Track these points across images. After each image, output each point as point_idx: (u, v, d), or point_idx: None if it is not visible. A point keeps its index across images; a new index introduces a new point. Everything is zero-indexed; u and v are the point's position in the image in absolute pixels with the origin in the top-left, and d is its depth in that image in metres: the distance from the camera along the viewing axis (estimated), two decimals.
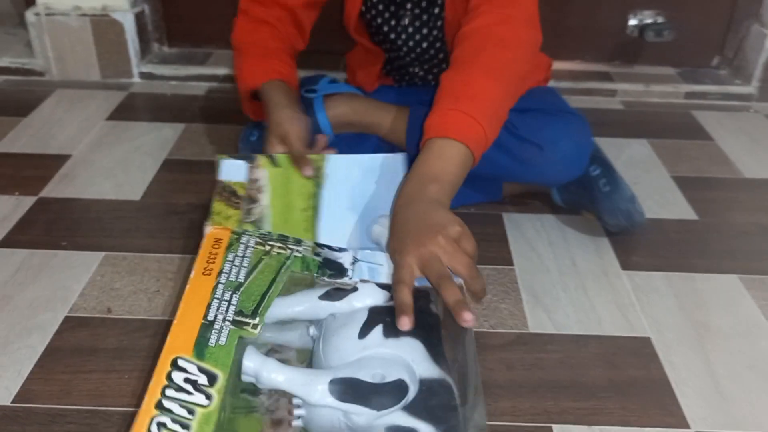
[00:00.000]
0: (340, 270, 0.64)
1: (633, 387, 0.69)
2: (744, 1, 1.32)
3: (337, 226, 0.72)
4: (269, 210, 0.73)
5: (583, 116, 0.90)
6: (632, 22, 1.33)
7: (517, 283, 0.83)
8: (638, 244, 0.91)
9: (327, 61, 1.28)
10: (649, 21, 1.32)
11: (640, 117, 1.27)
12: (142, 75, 1.33)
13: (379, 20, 0.94)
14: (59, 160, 1.07)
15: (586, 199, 0.93)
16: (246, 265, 0.63)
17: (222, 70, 1.34)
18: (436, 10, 0.92)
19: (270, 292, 0.61)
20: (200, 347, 0.55)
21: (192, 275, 0.61)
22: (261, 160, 0.77)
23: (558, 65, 1.32)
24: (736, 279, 0.85)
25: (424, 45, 0.96)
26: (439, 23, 0.93)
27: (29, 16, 1.28)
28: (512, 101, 0.78)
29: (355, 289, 0.62)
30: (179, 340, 0.55)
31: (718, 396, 0.68)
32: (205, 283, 0.61)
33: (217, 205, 0.72)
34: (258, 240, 0.66)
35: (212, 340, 0.56)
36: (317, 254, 0.66)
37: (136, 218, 0.94)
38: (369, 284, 0.62)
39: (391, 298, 0.60)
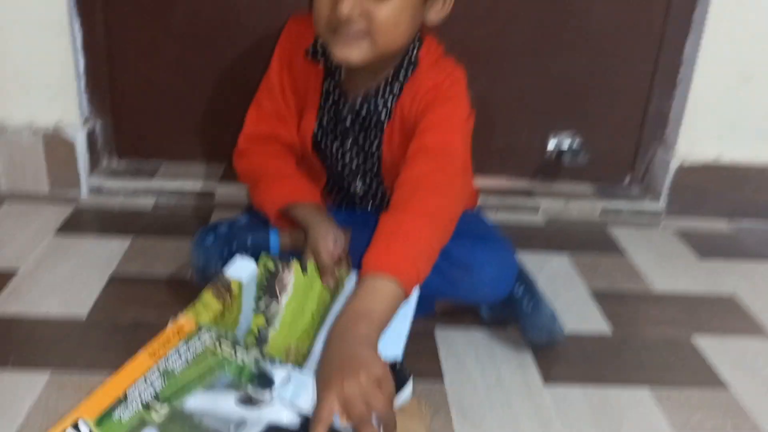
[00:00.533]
0: (266, 383, 0.70)
1: None
2: (650, 126, 1.47)
3: None
4: (284, 309, 0.83)
5: (508, 241, 1.00)
6: (551, 144, 1.46)
7: (446, 399, 0.89)
8: (558, 357, 0.98)
9: None
10: (566, 144, 1.45)
11: (560, 232, 1.38)
12: (91, 188, 1.38)
13: (327, 141, 1.03)
14: (6, 276, 1.09)
15: (512, 316, 1.01)
16: (190, 358, 0.70)
17: (170, 184, 1.40)
18: (374, 148, 1.01)
19: (191, 385, 0.68)
20: (104, 417, 0.63)
21: (139, 352, 0.69)
22: (294, 265, 0.87)
23: (485, 182, 1.44)
24: (647, 392, 0.93)
25: (365, 170, 1.05)
26: (375, 158, 1.02)
27: None
28: (444, 241, 0.86)
29: (271, 403, 0.68)
30: (91, 404, 0.64)
31: None
32: (144, 363, 0.69)
33: (206, 295, 0.79)
34: (214, 339, 0.73)
35: (116, 415, 0.64)
36: (257, 363, 0.71)
37: (83, 336, 0.97)
38: (287, 402, 0.68)
39: (302, 426, 0.66)
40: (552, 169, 1.49)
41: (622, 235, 1.38)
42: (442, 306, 1.05)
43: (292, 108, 1.02)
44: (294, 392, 0.69)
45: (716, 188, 1.43)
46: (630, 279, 1.22)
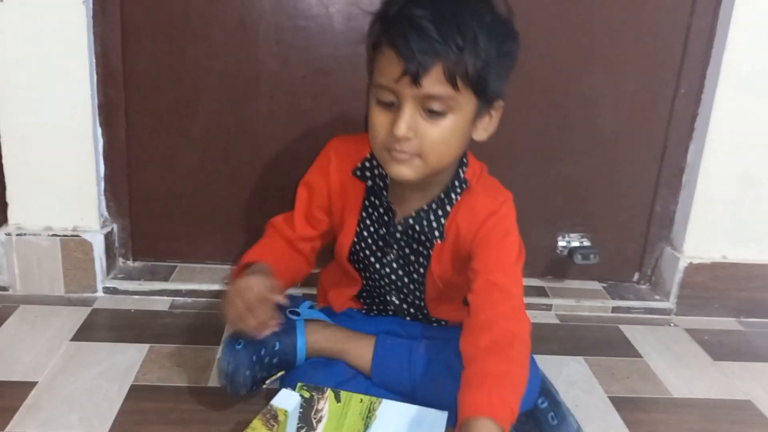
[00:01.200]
0: None
1: None
2: (656, 226, 1.51)
3: None
4: None
5: (532, 356, 1.00)
6: (561, 243, 1.49)
7: None
8: None
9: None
10: (575, 244, 1.48)
11: (573, 331, 1.39)
12: (106, 290, 1.38)
13: (367, 252, 1.07)
14: (25, 387, 1.08)
15: (537, 430, 1.01)
16: None
17: (185, 285, 1.41)
18: (420, 265, 1.05)
19: None
20: None
21: None
22: (329, 394, 0.94)
23: None
24: None
25: (405, 282, 1.08)
26: (422, 270, 1.05)
27: (0, 234, 1.34)
28: (526, 375, 0.91)
29: None
30: None
31: None
32: None
33: (257, 422, 0.86)
34: None
35: None
36: None
37: None
38: None
39: None
40: (562, 266, 1.52)
41: (634, 333, 1.39)
42: None
43: (324, 219, 1.09)
44: None
45: (723, 287, 1.46)
46: (647, 383, 1.22)
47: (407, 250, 1.05)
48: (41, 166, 1.32)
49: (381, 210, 1.04)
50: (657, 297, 1.50)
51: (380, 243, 1.06)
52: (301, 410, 0.92)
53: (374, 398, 0.93)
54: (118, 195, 1.41)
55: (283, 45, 1.36)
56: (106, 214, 1.40)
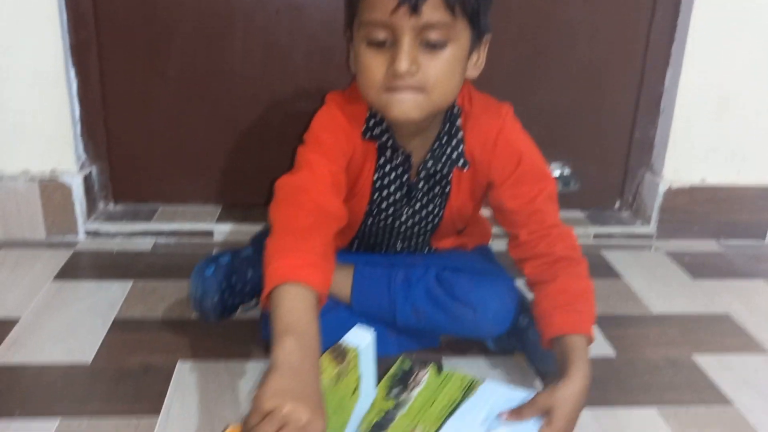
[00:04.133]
0: None
1: None
2: (636, 152, 1.51)
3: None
4: (413, 399, 0.90)
5: (509, 275, 1.02)
6: None
7: None
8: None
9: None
10: (556, 172, 1.48)
11: None
12: (88, 232, 1.38)
13: (384, 214, 1.04)
14: (6, 325, 1.08)
15: (518, 346, 1.03)
16: None
17: (168, 226, 1.40)
18: (440, 199, 1.03)
19: None
20: None
21: None
22: (431, 367, 0.96)
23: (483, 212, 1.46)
24: (654, 411, 0.94)
25: (416, 229, 1.07)
26: (439, 210, 1.04)
27: None
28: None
29: None
30: None
31: None
32: None
33: (324, 360, 0.79)
34: None
35: None
36: None
37: (89, 382, 0.96)
38: None
39: None
40: None
41: (615, 258, 1.40)
42: (448, 336, 1.07)
43: (343, 177, 0.95)
44: None
45: (703, 210, 1.47)
46: (628, 302, 1.24)
47: (429, 196, 1.02)
48: (15, 110, 1.30)
49: (396, 164, 0.99)
50: (638, 222, 1.51)
51: (398, 197, 1.02)
52: (399, 375, 0.95)
53: (478, 379, 0.94)
54: (95, 137, 1.40)
55: None
56: (84, 156, 1.39)
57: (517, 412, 0.84)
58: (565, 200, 1.51)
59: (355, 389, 0.85)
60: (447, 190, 1.01)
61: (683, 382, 1.01)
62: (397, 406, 0.89)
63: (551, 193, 0.99)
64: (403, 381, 0.94)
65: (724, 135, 1.44)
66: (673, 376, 1.03)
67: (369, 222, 1.05)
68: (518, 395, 0.89)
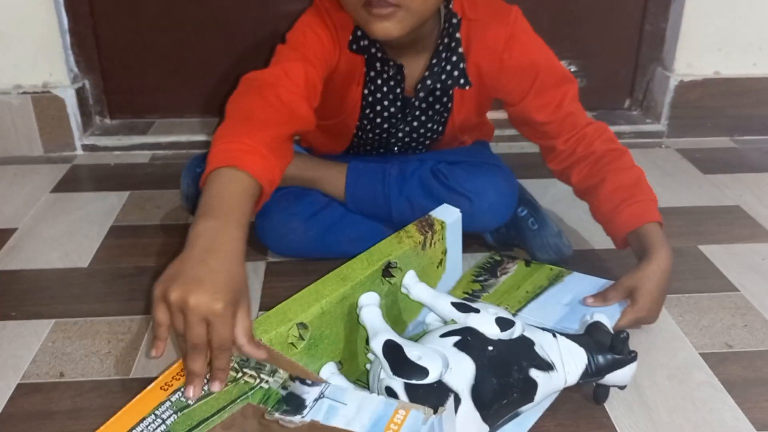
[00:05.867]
0: (297, 406, 0.60)
1: (566, 404, 0.74)
2: (647, 47, 1.44)
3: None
4: (500, 284, 0.92)
5: (508, 168, 0.99)
6: None
7: None
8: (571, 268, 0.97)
9: None
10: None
11: None
12: (85, 147, 1.37)
13: (378, 128, 1.00)
14: (4, 233, 1.08)
15: (517, 238, 1.01)
16: (205, 388, 0.61)
17: (164, 138, 1.39)
18: (442, 114, 0.99)
19: (211, 419, 0.60)
20: None
21: (149, 386, 0.62)
22: (519, 261, 0.98)
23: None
24: None
25: (413, 139, 1.03)
26: (440, 125, 1.01)
27: None
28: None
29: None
30: None
31: (643, 405, 0.74)
32: (154, 397, 0.61)
33: (411, 227, 0.83)
34: (234, 366, 0.63)
35: None
36: (285, 387, 0.62)
37: (85, 284, 0.96)
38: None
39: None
40: None
41: None
42: None
43: (320, 85, 0.88)
44: (330, 409, 0.60)
45: (716, 104, 1.41)
46: None
47: (428, 113, 0.99)
48: (3, 22, 1.27)
49: (388, 78, 0.94)
50: (648, 120, 1.46)
51: (393, 112, 0.98)
52: (489, 265, 0.97)
53: (567, 270, 0.93)
54: (86, 48, 1.36)
55: None
56: (75, 69, 1.36)
57: (602, 296, 0.84)
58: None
59: (441, 262, 0.87)
60: (449, 106, 0.97)
61: (688, 270, 0.99)
62: (484, 289, 0.91)
63: (575, 94, 0.95)
64: (492, 270, 0.96)
65: (738, 25, 1.37)
66: (678, 266, 0.99)
67: (362, 136, 1.02)
68: (604, 282, 0.89)
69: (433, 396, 0.61)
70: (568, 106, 0.93)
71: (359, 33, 0.90)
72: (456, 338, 0.67)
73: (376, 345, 0.65)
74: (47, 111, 1.33)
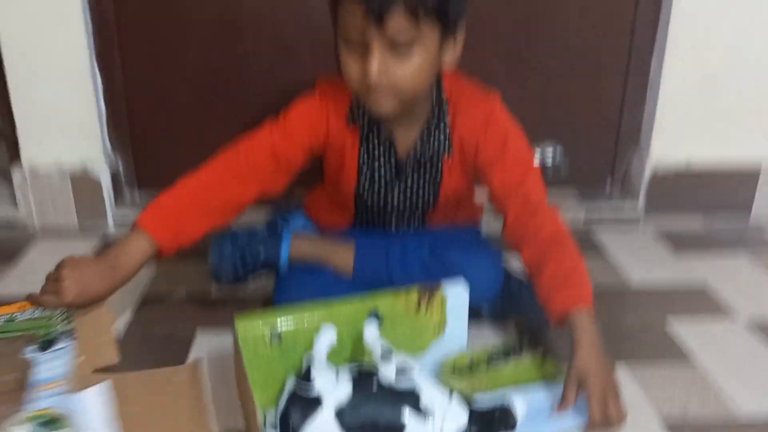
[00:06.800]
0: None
1: None
2: (625, 134, 1.59)
3: None
4: (501, 366, 1.02)
5: (497, 249, 1.13)
6: (536, 155, 1.59)
7: None
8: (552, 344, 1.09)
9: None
10: (548, 155, 1.58)
11: None
12: (116, 220, 1.51)
13: (375, 189, 1.14)
14: None
15: (512, 307, 1.14)
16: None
17: None
18: (434, 181, 1.13)
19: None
20: None
21: None
22: (539, 352, 1.04)
23: (480, 191, 1.56)
24: (623, 366, 1.04)
25: (410, 206, 1.16)
26: (433, 191, 1.14)
27: (15, 173, 1.46)
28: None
29: None
30: None
31: None
32: None
33: (413, 288, 1.00)
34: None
35: None
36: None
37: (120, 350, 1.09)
38: None
39: None
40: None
41: (605, 234, 1.50)
42: None
43: (295, 160, 1.09)
44: None
45: (689, 188, 1.55)
46: (610, 274, 1.34)
47: (417, 177, 1.12)
48: (47, 107, 1.43)
49: (381, 148, 1.10)
50: (627, 200, 1.60)
51: (388, 177, 1.12)
52: (508, 348, 1.05)
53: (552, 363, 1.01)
54: (120, 131, 1.52)
55: None
56: (110, 149, 1.52)
57: (564, 401, 0.89)
58: (558, 180, 1.62)
59: (438, 328, 1.00)
60: (439, 177, 1.11)
61: (653, 344, 1.11)
62: (488, 368, 1.01)
63: (536, 176, 1.08)
64: (508, 353, 1.04)
65: (708, 117, 1.52)
66: (645, 338, 1.13)
67: (362, 200, 1.16)
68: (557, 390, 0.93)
69: (303, 393, 0.83)
70: (526, 185, 1.06)
71: (355, 108, 1.07)
72: (356, 373, 0.85)
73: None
74: (83, 187, 1.48)
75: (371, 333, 0.94)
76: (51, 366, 0.96)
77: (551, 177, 1.60)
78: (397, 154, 1.10)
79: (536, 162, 1.55)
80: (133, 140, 1.55)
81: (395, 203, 1.15)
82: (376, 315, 0.96)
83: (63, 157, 1.47)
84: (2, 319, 1.04)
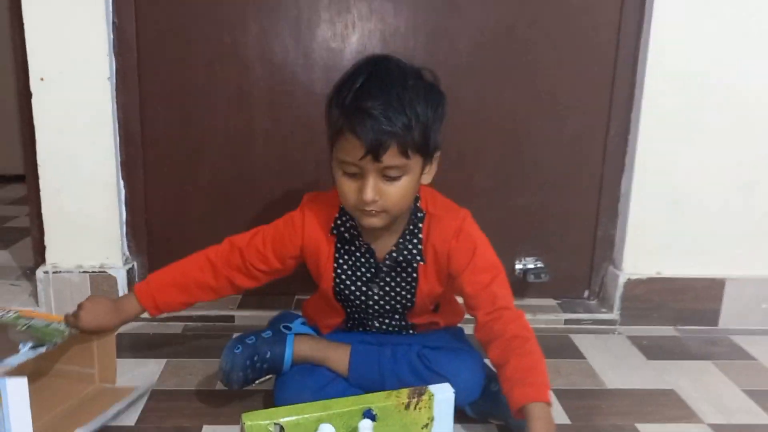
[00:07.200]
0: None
1: None
2: (600, 248, 1.74)
3: None
4: None
5: (478, 352, 1.24)
6: (518, 266, 1.73)
7: None
8: None
9: (280, 302, 1.63)
10: (530, 266, 1.72)
11: None
12: None
13: (352, 289, 1.28)
14: None
15: (493, 408, 1.23)
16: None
17: (196, 312, 1.64)
18: (408, 284, 1.26)
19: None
20: None
21: None
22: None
23: None
24: None
25: (389, 308, 1.29)
26: (410, 294, 1.27)
27: (39, 272, 1.59)
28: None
29: None
30: None
31: None
32: None
33: (404, 390, 1.08)
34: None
35: None
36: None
37: None
38: None
39: None
40: (521, 286, 1.75)
41: (582, 341, 1.61)
42: None
43: (262, 266, 1.29)
44: None
45: (660, 299, 1.69)
46: (587, 379, 1.44)
47: (393, 280, 1.26)
48: (74, 215, 1.58)
49: (359, 253, 1.25)
50: (603, 310, 1.72)
51: (364, 279, 1.26)
52: None
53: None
54: (138, 236, 1.66)
55: (275, 105, 1.63)
56: (128, 253, 1.65)
57: None
58: (539, 290, 1.75)
59: (427, 426, 1.09)
60: (414, 278, 1.25)
61: None
62: None
63: (503, 281, 1.21)
64: None
65: (676, 233, 1.67)
66: None
67: (343, 298, 1.29)
68: None
69: None
70: (494, 288, 1.19)
71: (339, 223, 1.24)
72: None
73: None
74: (101, 287, 1.60)
75: (366, 429, 1.04)
76: (17, 357, 1.14)
77: (534, 287, 1.73)
78: (375, 258, 1.24)
79: (517, 272, 1.71)
80: (149, 245, 1.69)
81: (375, 300, 1.28)
82: (370, 412, 1.06)
83: (85, 259, 1.60)
84: (34, 320, 1.29)
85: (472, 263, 1.20)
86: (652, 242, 1.67)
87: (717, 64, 1.58)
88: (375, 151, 1.06)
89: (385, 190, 1.11)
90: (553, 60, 1.64)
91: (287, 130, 1.64)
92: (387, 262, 1.24)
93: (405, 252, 1.23)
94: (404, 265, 1.24)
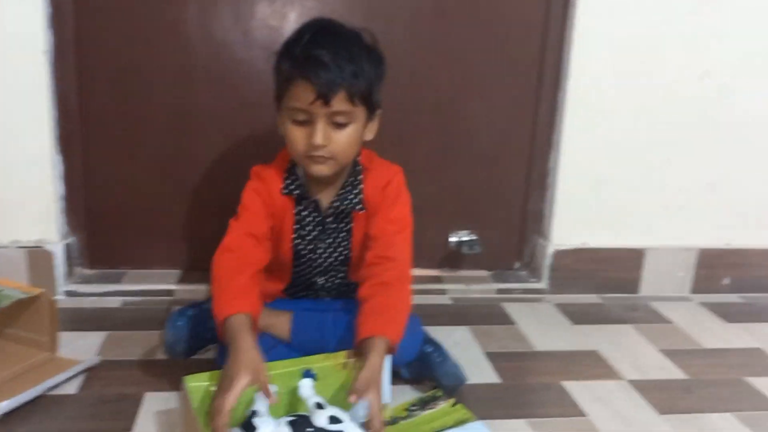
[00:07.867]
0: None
1: None
2: (530, 221, 1.83)
3: None
4: (417, 418, 1.20)
5: (416, 316, 1.29)
6: (452, 239, 1.80)
7: None
8: (460, 401, 1.25)
9: None
10: (464, 239, 1.79)
11: (463, 309, 1.69)
12: (67, 293, 1.62)
13: (308, 248, 1.32)
14: None
15: (426, 370, 1.29)
16: None
17: (134, 287, 1.65)
18: (346, 233, 1.31)
19: None
20: None
21: None
22: (450, 401, 1.24)
23: None
24: (523, 422, 1.20)
25: (332, 260, 1.34)
26: (347, 243, 1.32)
27: None
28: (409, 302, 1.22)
29: None
30: None
31: None
32: None
33: (342, 353, 1.14)
34: None
35: None
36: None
37: (76, 409, 1.18)
38: None
39: None
40: (455, 258, 1.82)
41: (513, 309, 1.70)
42: None
43: (265, 229, 1.27)
44: None
45: (585, 268, 1.79)
46: (517, 343, 1.52)
47: (334, 231, 1.31)
48: (9, 189, 1.56)
49: (308, 210, 1.29)
50: (533, 279, 1.82)
51: (315, 233, 1.31)
52: (426, 399, 1.24)
53: (472, 417, 1.18)
54: (76, 212, 1.65)
55: (216, 82, 1.65)
56: (65, 228, 1.64)
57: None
58: (473, 262, 1.83)
59: None
60: (350, 226, 1.31)
61: (550, 400, 1.29)
62: (408, 417, 1.18)
63: (406, 238, 1.27)
64: (424, 403, 1.22)
65: (600, 206, 1.77)
66: (543, 397, 1.30)
67: (298, 257, 1.33)
68: None
69: None
70: (396, 238, 1.25)
71: (287, 182, 1.28)
72: (293, 418, 0.98)
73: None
74: (38, 262, 1.59)
75: (306, 388, 1.08)
76: None
77: (468, 259, 1.81)
78: (321, 210, 1.29)
79: (452, 245, 1.79)
80: (87, 221, 1.68)
81: (320, 256, 1.33)
82: (309, 372, 1.11)
83: (21, 235, 1.59)
84: None
85: (386, 210, 1.27)
86: (578, 215, 1.77)
87: (638, 49, 1.68)
88: (325, 95, 1.12)
89: (333, 137, 1.16)
90: (484, 40, 1.71)
91: (229, 106, 1.66)
92: (330, 211, 1.29)
93: (346, 201, 1.28)
94: (343, 215, 1.30)
